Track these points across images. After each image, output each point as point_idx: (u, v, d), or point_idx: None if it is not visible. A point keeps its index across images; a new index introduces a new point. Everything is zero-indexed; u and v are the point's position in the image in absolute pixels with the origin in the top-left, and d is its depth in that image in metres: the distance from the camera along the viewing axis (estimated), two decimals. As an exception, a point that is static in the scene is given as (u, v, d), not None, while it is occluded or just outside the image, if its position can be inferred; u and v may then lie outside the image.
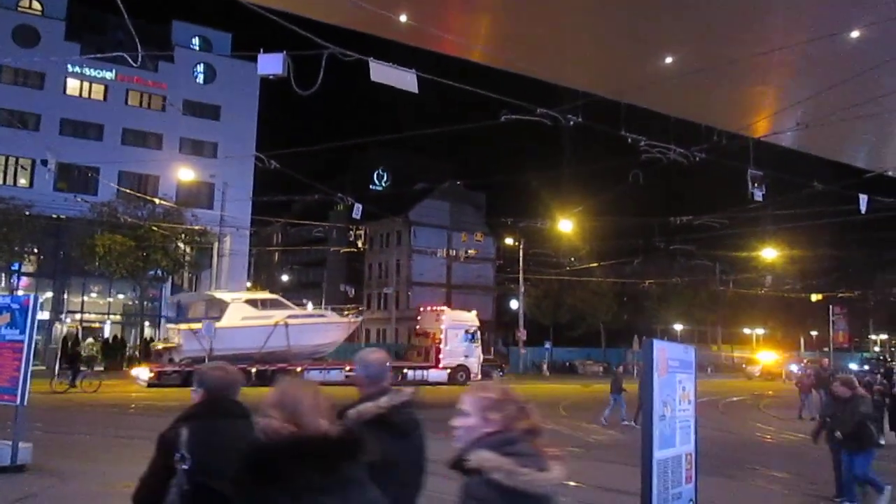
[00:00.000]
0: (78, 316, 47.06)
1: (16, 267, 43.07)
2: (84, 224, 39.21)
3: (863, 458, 9.46)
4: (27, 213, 38.34)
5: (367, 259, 75.24)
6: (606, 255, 53.13)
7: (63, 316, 45.95)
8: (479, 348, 36.93)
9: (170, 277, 45.59)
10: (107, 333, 46.94)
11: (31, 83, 45.73)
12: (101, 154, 42.10)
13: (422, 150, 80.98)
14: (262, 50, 10.85)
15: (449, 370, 34.53)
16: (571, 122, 14.21)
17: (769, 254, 47.25)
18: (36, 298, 10.43)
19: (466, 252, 55.08)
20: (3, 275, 43.06)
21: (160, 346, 33.08)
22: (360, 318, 36.88)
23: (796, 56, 15.21)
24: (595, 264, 52.76)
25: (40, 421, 14.01)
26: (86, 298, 47.26)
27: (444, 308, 38.31)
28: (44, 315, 41.34)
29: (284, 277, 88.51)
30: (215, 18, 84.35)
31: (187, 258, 42.10)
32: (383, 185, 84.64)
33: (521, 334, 48.52)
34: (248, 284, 52.49)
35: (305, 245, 72.57)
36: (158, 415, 19.16)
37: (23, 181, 44.77)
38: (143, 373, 29.63)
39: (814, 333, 73.71)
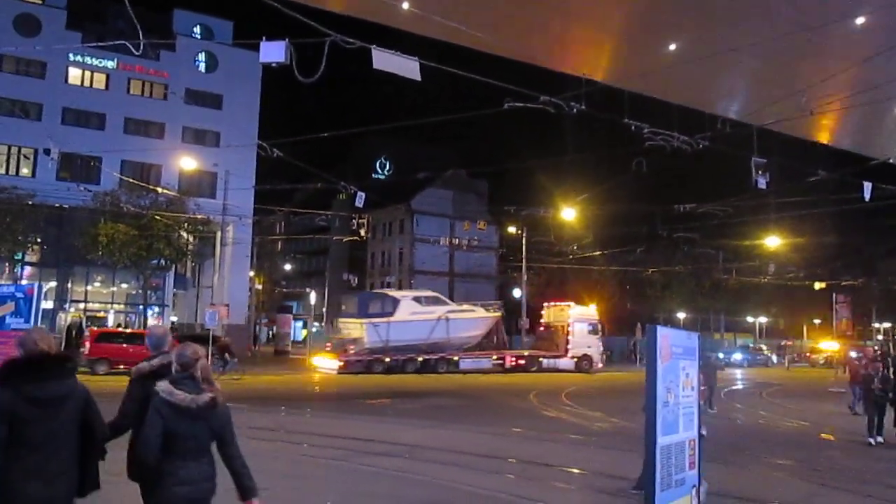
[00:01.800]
0: (82, 305, 47.21)
1: (19, 257, 43.15)
2: (87, 213, 39.22)
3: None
4: (30, 202, 38.36)
5: (370, 248, 75.30)
6: (609, 244, 53.06)
7: (67, 305, 46.10)
8: (600, 340, 40.77)
9: (173, 266, 45.65)
10: (110, 322, 47.09)
11: (33, 72, 45.64)
12: (104, 143, 42.02)
13: (424, 138, 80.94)
14: (263, 38, 10.81)
15: (576, 359, 38.69)
16: (574, 110, 14.15)
17: (772, 242, 47.13)
18: (40, 287, 10.46)
19: (469, 240, 55.08)
20: (7, 264, 43.14)
21: (338, 338, 36.65)
22: (500, 313, 40.25)
23: (800, 43, 15.13)
24: (598, 252, 52.70)
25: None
26: (89, 288, 47.38)
27: (571, 303, 41.55)
28: (48, 304, 41.48)
29: (287, 266, 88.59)
30: (216, 6, 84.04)
31: (190, 247, 42.12)
32: (386, 173, 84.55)
33: (524, 323, 48.50)
34: (251, 273, 52.53)
35: (308, 234, 72.67)
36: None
37: (25, 171, 44.77)
38: (330, 362, 33.75)
39: (817, 322, 73.69)
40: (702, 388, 17.05)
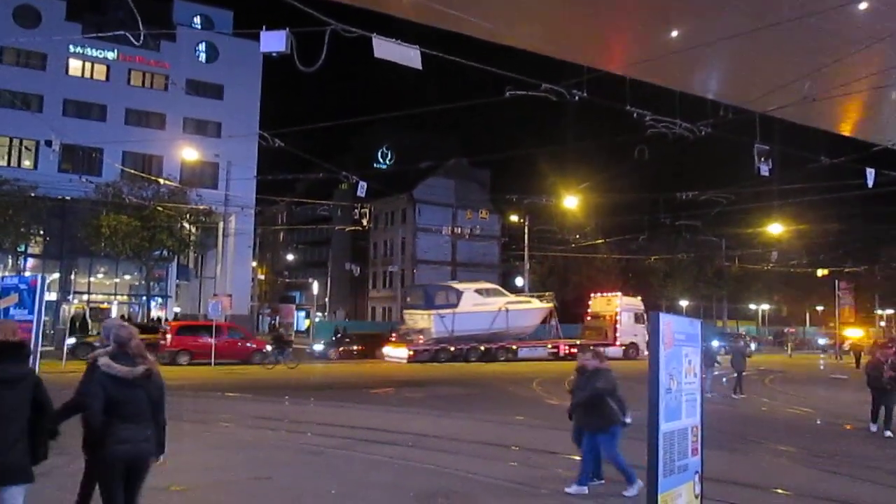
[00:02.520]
0: (85, 296, 47.30)
1: (22, 248, 43.22)
2: (89, 205, 39.25)
3: (606, 437, 8.79)
4: (32, 194, 38.38)
5: (372, 237, 75.30)
6: (612, 232, 53.05)
7: (70, 297, 46.19)
8: (645, 328, 40.76)
9: (175, 257, 45.72)
10: (114, 313, 47.19)
11: (34, 64, 45.56)
12: (105, 134, 42.02)
13: (426, 127, 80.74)
14: (264, 27, 10.77)
15: (623, 347, 40.15)
16: (576, 98, 14.11)
17: (775, 229, 47.07)
18: (43, 279, 10.45)
19: (471, 230, 55.06)
20: (10, 256, 43.22)
21: (405, 328, 38.33)
22: (553, 304, 41.50)
23: (803, 28, 15.03)
24: (600, 241, 52.71)
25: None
26: (92, 279, 47.45)
27: (618, 293, 43.27)
28: (51, 296, 41.58)
29: (289, 256, 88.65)
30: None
31: (192, 238, 42.18)
32: (388, 162, 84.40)
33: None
34: (254, 264, 52.61)
35: (310, 224, 72.61)
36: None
37: (27, 163, 44.78)
38: (400, 352, 35.24)
39: (819, 308, 73.66)
40: (703, 375, 17.06)
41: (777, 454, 12.30)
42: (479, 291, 38.08)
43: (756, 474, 10.22)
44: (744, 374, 22.37)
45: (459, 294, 37.13)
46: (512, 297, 39.40)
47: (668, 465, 4.65)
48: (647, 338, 39.62)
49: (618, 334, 40.60)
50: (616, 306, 41.57)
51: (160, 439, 5.44)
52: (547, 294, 43.15)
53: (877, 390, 14.85)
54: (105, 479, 5.32)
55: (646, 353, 38.47)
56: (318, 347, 38.08)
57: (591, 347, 12.36)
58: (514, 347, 37.45)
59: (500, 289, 40.36)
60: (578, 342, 39.56)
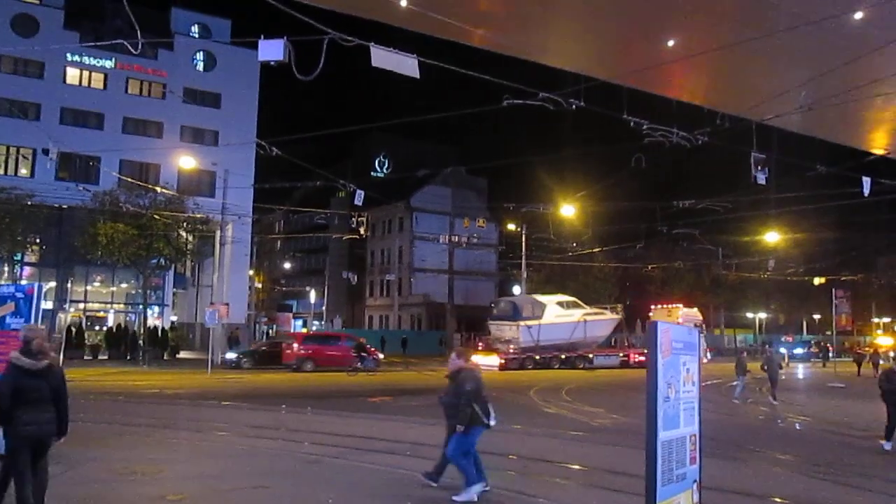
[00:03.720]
0: (81, 305, 47.19)
1: (19, 257, 43.11)
2: (86, 213, 39.17)
3: (461, 437, 8.62)
4: (29, 202, 38.28)
5: (369, 246, 75.30)
6: (609, 240, 53.07)
7: (67, 305, 46.07)
8: (704, 339, 43.94)
9: (172, 266, 45.63)
10: (110, 322, 47.07)
11: (31, 72, 45.60)
12: (102, 143, 41.96)
13: (423, 135, 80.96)
14: (262, 36, 10.79)
15: None
16: (574, 106, 14.15)
17: (772, 237, 47.23)
18: (40, 287, 10.41)
19: (469, 238, 55.08)
20: (6, 265, 43.12)
21: (491, 338, 40.65)
22: (621, 315, 44.71)
23: (799, 37, 15.11)
24: (598, 249, 52.72)
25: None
26: (89, 287, 47.36)
27: (679, 305, 46.57)
28: (47, 304, 41.45)
29: (286, 265, 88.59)
30: (214, 5, 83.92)
31: (189, 246, 42.06)
32: (385, 171, 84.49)
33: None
34: (251, 272, 52.56)
35: (307, 232, 72.68)
36: (161, 402, 19.28)
37: (24, 171, 44.74)
38: (491, 360, 36.98)
39: (817, 317, 73.70)
40: (735, 381, 17.11)
41: (775, 463, 12.28)
42: (560, 304, 40.44)
43: (754, 483, 10.21)
44: (777, 382, 23.26)
45: (543, 306, 39.51)
46: (588, 309, 41.64)
47: (667, 474, 4.64)
48: (705, 346, 42.99)
49: None
50: (677, 317, 44.08)
51: (61, 423, 6.54)
52: (617, 306, 45.95)
53: (893, 405, 13.49)
54: (14, 456, 6.33)
55: (705, 360, 38.61)
56: (231, 356, 34.98)
57: (457, 347, 12.40)
58: (591, 356, 40.35)
59: (578, 301, 42.34)
60: (646, 350, 39.89)
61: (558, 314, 39.35)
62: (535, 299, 41.20)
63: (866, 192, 19.27)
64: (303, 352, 33.36)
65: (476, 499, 8.39)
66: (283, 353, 33.89)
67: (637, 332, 50.80)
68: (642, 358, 40.63)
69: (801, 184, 26.98)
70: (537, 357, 37.94)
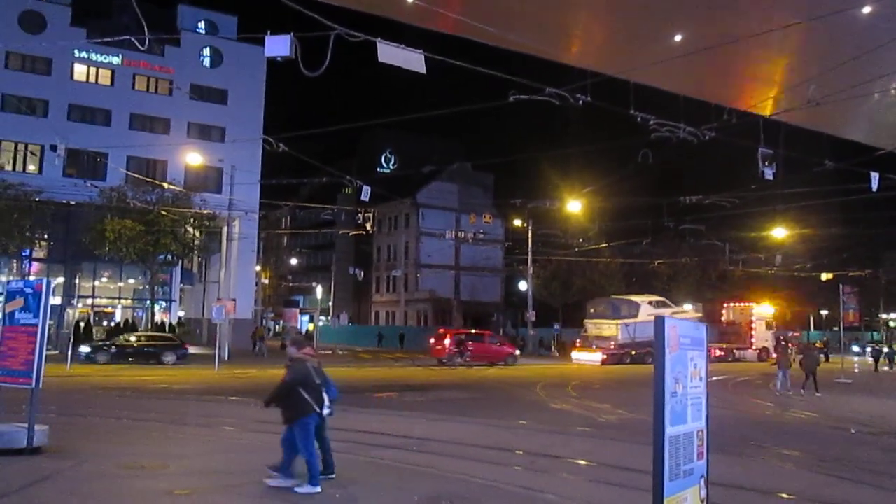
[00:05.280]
0: (89, 301, 47.40)
1: (27, 253, 43.31)
2: (94, 209, 39.35)
3: (298, 429, 8.58)
4: (37, 198, 38.49)
5: (376, 242, 75.34)
6: (615, 236, 52.99)
7: (74, 301, 46.28)
8: (773, 334, 48.10)
9: (179, 262, 45.78)
10: (118, 318, 47.28)
11: (39, 69, 45.76)
12: (110, 139, 42.12)
13: (430, 131, 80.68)
14: (268, 32, 10.79)
15: (758, 350, 46.62)
16: (580, 102, 14.11)
17: (779, 233, 47.13)
18: (48, 283, 10.46)
19: (475, 234, 55.06)
20: (15, 261, 43.33)
21: (590, 336, 43.15)
22: (700, 314, 46.48)
23: (806, 32, 15.05)
24: (604, 245, 52.66)
25: (54, 404, 14.18)
26: (96, 283, 47.57)
27: (752, 304, 49.54)
28: (55, 300, 41.65)
29: (293, 261, 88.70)
30: (220, 2, 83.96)
31: (196, 242, 42.23)
32: (391, 167, 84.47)
33: (531, 315, 48.57)
34: (257, 268, 52.67)
35: (314, 228, 72.79)
36: (169, 398, 19.35)
37: (32, 167, 44.93)
38: (594, 356, 40.47)
39: (824, 313, 73.38)
40: (778, 375, 17.18)
41: (783, 459, 12.26)
42: (651, 303, 43.30)
43: (761, 479, 10.20)
44: (815, 376, 24.49)
45: (638, 306, 42.60)
46: (675, 308, 44.62)
47: (674, 470, 4.64)
48: (774, 343, 46.25)
49: (753, 340, 46.90)
50: (750, 315, 47.83)
51: None
52: (696, 305, 49.06)
53: None
54: None
55: (775, 355, 39.93)
56: (86, 349, 32.20)
57: (294, 336, 12.30)
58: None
59: (666, 300, 45.32)
60: (724, 346, 46.14)
61: (651, 313, 41.50)
62: (629, 300, 44.20)
63: (874, 187, 19.17)
64: (454, 349, 36.97)
65: (309, 493, 8.28)
66: (433, 348, 38.56)
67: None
68: (721, 353, 44.88)
69: (809, 179, 26.86)
70: (633, 353, 40.14)
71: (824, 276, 56.61)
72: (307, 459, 8.59)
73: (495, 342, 40.38)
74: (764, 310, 49.05)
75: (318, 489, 8.44)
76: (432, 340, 39.90)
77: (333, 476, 9.12)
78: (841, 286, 52.91)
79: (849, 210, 49.36)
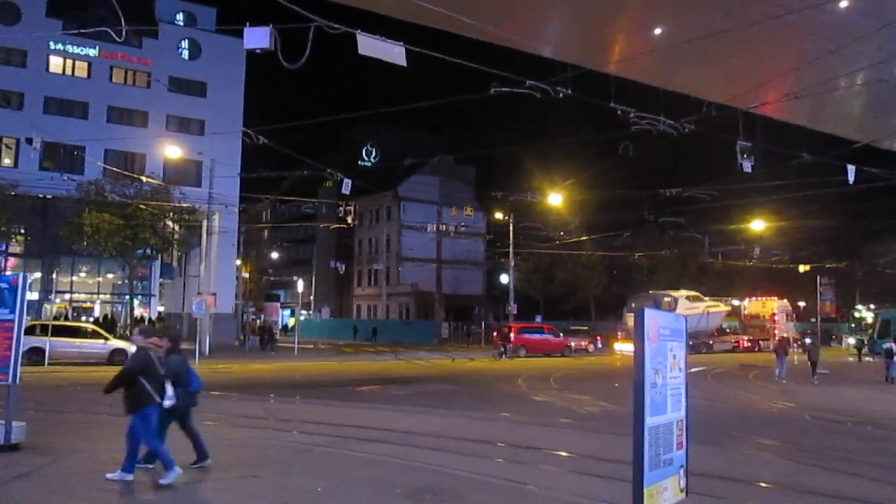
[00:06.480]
0: (67, 296, 46.90)
1: (3, 248, 42.76)
2: (71, 203, 38.90)
3: (138, 419, 8.40)
4: (13, 192, 37.97)
5: (357, 235, 75.17)
6: (596, 229, 53.20)
7: (52, 296, 45.78)
8: (793, 326, 51.76)
9: (159, 256, 45.40)
10: (97, 313, 46.82)
11: (14, 61, 45.04)
12: (87, 132, 41.57)
13: (411, 124, 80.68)
14: (247, 24, 10.72)
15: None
16: (561, 95, 14.14)
17: (758, 225, 47.77)
18: (25, 277, 10.34)
19: (456, 227, 55.05)
20: (-9, 255, 42.81)
21: (630, 328, 44.42)
22: (729, 307, 50.54)
23: (785, 26, 15.16)
24: (585, 238, 52.87)
25: (32, 401, 14.03)
26: (74, 278, 47.06)
27: (774, 298, 52.60)
28: (32, 295, 41.17)
29: (274, 254, 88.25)
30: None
31: (176, 236, 41.86)
32: (372, 160, 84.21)
33: (512, 308, 48.70)
34: (238, 262, 52.35)
35: (295, 222, 72.35)
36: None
37: (7, 161, 44.29)
38: (627, 346, 40.28)
39: (802, 304, 74.19)
40: (778, 363, 23.53)
41: (761, 448, 12.41)
42: (688, 298, 45.83)
43: (740, 468, 10.31)
44: (817, 364, 26.91)
45: (676, 300, 44.81)
46: (708, 301, 47.28)
47: (654, 460, 4.68)
48: (793, 333, 49.11)
49: (776, 331, 48.51)
50: (772, 308, 50.92)
51: None
52: (727, 298, 51.71)
53: None
54: None
55: (795, 346, 42.64)
56: None
57: (142, 325, 12.23)
58: (711, 342, 46.84)
59: (700, 295, 47.63)
60: (751, 338, 49.76)
61: (688, 307, 43.89)
62: (669, 294, 46.22)
63: (851, 179, 19.38)
64: (517, 342, 39.63)
65: (174, 480, 8.28)
66: (495, 342, 41.00)
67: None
68: (748, 344, 48.88)
69: (787, 172, 27.11)
70: None
71: (802, 268, 57.31)
72: (154, 448, 8.49)
73: (552, 335, 42.18)
74: (783, 303, 51.94)
75: (179, 472, 8.36)
76: (495, 334, 43.25)
77: (208, 462, 9.13)
78: (818, 277, 53.62)
79: (826, 202, 49.99)
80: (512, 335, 40.17)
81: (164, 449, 8.54)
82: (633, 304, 45.39)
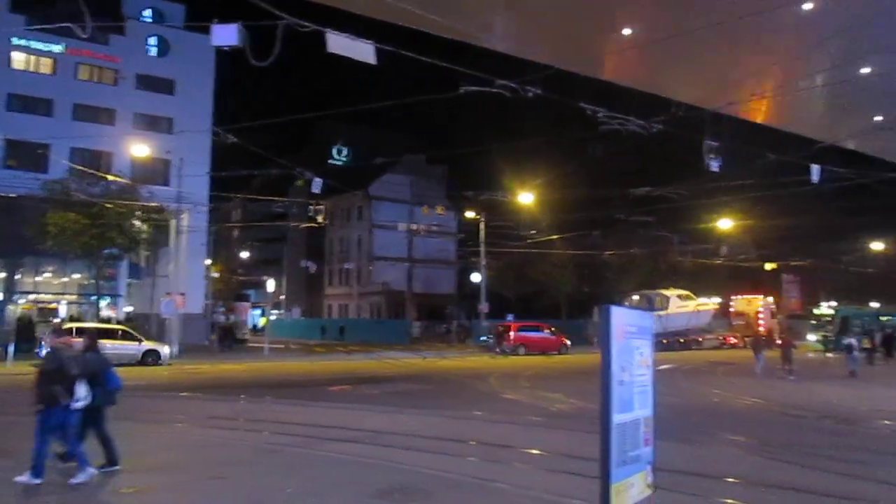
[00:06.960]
0: (32, 296, 46.07)
1: (-35, 248, 41.91)
2: (35, 202, 38.15)
3: (39, 417, 8.43)
4: (-25, 191, 37.22)
5: (328, 234, 74.77)
6: (567, 228, 53.45)
7: (15, 297, 44.94)
8: (776, 321, 54.11)
9: (126, 256, 44.75)
10: (62, 313, 46.06)
11: (-25, 57, 44.09)
12: (52, 130, 40.79)
13: (382, 123, 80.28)
14: (216, 21, 10.62)
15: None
16: (531, 94, 14.21)
17: (725, 224, 48.33)
18: (-13, 278, 10.16)
19: (428, 226, 55.02)
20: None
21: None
22: (718, 305, 52.94)
23: (750, 27, 15.39)
24: (556, 237, 53.12)
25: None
26: (39, 279, 46.26)
27: (760, 296, 54.84)
28: (-4, 296, 40.43)
29: (244, 254, 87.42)
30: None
31: (144, 236, 41.27)
32: (343, 159, 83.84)
33: (484, 307, 48.79)
34: (208, 262, 51.77)
35: (265, 221, 71.78)
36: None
37: (-31, 159, 43.35)
38: None
39: (769, 299, 75.20)
40: (756, 358, 24.10)
41: (729, 444, 12.58)
42: (679, 296, 47.72)
43: (708, 464, 10.45)
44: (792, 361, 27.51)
45: (668, 299, 46.93)
46: (698, 300, 49.12)
47: (621, 456, 4.73)
48: (778, 328, 51.71)
49: (761, 327, 50.69)
50: (757, 306, 53.53)
51: None
52: (714, 297, 53.61)
53: None
54: None
55: (778, 341, 41.56)
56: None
57: (55, 323, 12.34)
58: (700, 339, 48.78)
59: (691, 294, 49.34)
60: (737, 334, 51.20)
61: (679, 305, 46.16)
62: (661, 293, 48.19)
63: (815, 179, 19.72)
64: (517, 340, 40.47)
65: (39, 482, 8.26)
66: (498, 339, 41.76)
67: (595, 319, 51.73)
68: (734, 340, 50.58)
69: (753, 171, 27.51)
70: (664, 341, 42.52)
71: (768, 266, 58.27)
72: (35, 447, 8.38)
73: (548, 334, 42.78)
74: (767, 300, 54.13)
75: (38, 481, 8.27)
76: (495, 332, 43.78)
77: (118, 468, 9.05)
78: (783, 275, 54.64)
79: (791, 201, 50.74)
80: (511, 334, 40.93)
81: (44, 453, 8.39)
82: (627, 303, 45.79)
